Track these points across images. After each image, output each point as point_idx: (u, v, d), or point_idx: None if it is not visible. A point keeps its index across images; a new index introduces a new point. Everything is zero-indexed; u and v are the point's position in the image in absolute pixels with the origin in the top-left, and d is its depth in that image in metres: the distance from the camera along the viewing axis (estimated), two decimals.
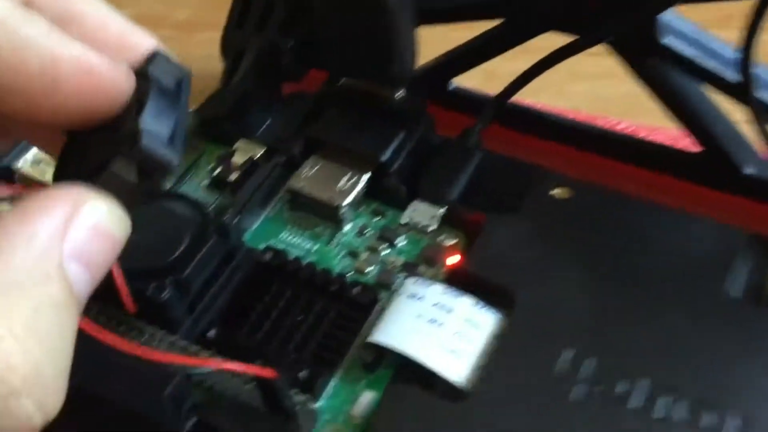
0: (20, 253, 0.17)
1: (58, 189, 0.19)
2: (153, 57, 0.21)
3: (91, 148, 0.21)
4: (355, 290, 0.33)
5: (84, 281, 0.19)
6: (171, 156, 0.20)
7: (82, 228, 0.19)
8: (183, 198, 0.34)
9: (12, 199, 0.22)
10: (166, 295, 0.31)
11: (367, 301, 0.32)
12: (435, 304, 0.31)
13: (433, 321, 0.30)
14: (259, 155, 0.38)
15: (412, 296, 0.31)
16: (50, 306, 0.17)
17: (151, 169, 0.20)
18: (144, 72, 0.21)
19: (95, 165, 0.20)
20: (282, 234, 0.36)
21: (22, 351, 0.17)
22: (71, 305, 0.18)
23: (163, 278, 0.31)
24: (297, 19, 0.42)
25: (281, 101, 0.42)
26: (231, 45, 0.43)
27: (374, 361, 0.31)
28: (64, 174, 0.22)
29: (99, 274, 0.20)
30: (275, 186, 0.38)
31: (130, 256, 0.32)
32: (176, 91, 0.21)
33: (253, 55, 0.42)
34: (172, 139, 0.20)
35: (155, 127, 0.20)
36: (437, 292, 0.31)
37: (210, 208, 0.35)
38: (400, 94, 0.37)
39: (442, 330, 0.30)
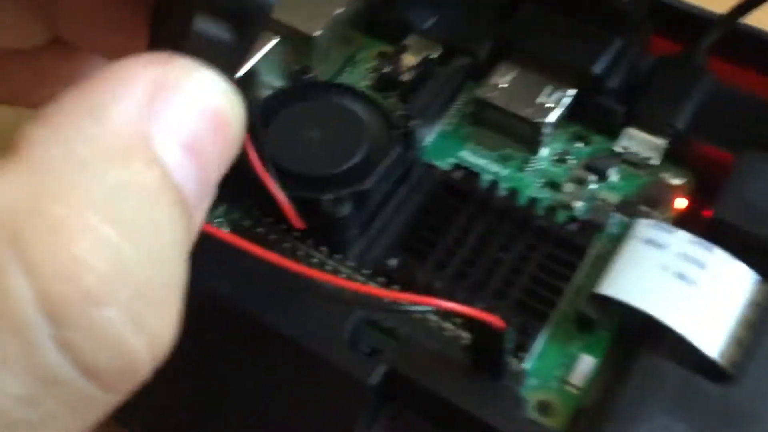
0: (87, 127, 0.12)
1: (137, 57, 0.13)
2: None
3: (173, 18, 0.15)
4: (570, 228, 0.26)
5: (191, 174, 0.13)
6: None
7: (179, 104, 0.13)
8: (356, 92, 0.28)
9: None
10: (345, 209, 0.24)
11: (584, 241, 0.26)
12: (682, 256, 0.24)
13: (681, 276, 0.24)
14: (435, 56, 0.31)
15: (651, 242, 0.25)
16: (135, 188, 0.12)
17: (244, 13, 0.14)
18: None
19: (177, 34, 0.15)
20: (462, 152, 0.30)
21: (93, 238, 0.11)
22: (170, 196, 0.13)
23: (339, 189, 0.25)
24: None
25: None
26: None
27: (595, 317, 0.25)
28: None
29: (212, 169, 0.14)
30: (454, 94, 0.31)
31: (294, 156, 0.26)
32: None
33: None
34: None
35: None
36: (684, 242, 0.25)
37: None
38: None
39: (693, 289, 0.24)
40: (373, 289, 0.20)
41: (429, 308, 0.21)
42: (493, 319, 0.21)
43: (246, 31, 0.15)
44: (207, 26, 0.14)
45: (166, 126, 0.13)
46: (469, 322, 0.22)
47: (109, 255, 0.11)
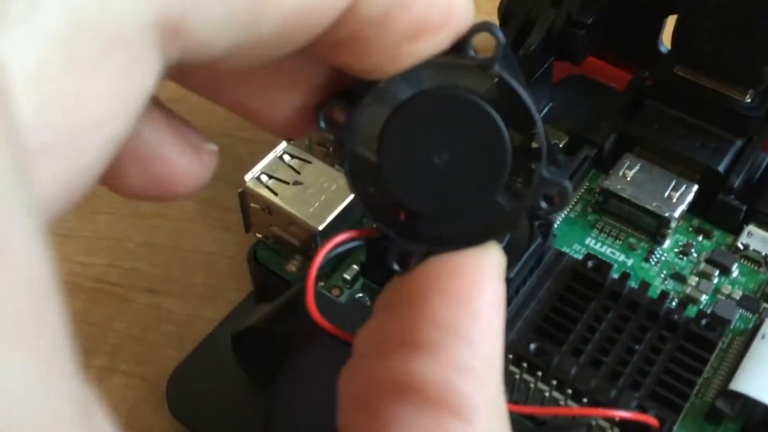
0: (492, 375, 0.14)
1: (462, 265, 0.15)
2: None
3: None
4: (703, 322, 0.27)
5: None
6: (566, 184, 0.15)
7: (494, 311, 0.15)
8: None
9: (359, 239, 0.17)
10: None
11: (716, 337, 0.27)
12: None
13: None
14: (561, 144, 0.33)
15: None
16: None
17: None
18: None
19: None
20: (587, 239, 0.31)
21: None
22: None
23: None
24: None
25: (553, 83, 0.38)
26: (516, 11, 0.38)
27: (728, 411, 0.26)
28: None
29: None
30: (579, 182, 0.33)
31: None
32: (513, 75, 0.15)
33: (546, 27, 0.37)
34: (551, 156, 0.15)
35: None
36: None
37: None
38: (750, 96, 0.31)
39: None
40: (555, 409, 0.22)
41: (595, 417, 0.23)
42: (649, 420, 0.22)
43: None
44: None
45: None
46: (623, 423, 0.23)
47: None
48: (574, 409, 0.22)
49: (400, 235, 0.15)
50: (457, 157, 0.15)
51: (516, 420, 0.21)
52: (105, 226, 0.37)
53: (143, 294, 0.35)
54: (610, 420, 0.24)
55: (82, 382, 0.09)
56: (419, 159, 0.15)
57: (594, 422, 0.24)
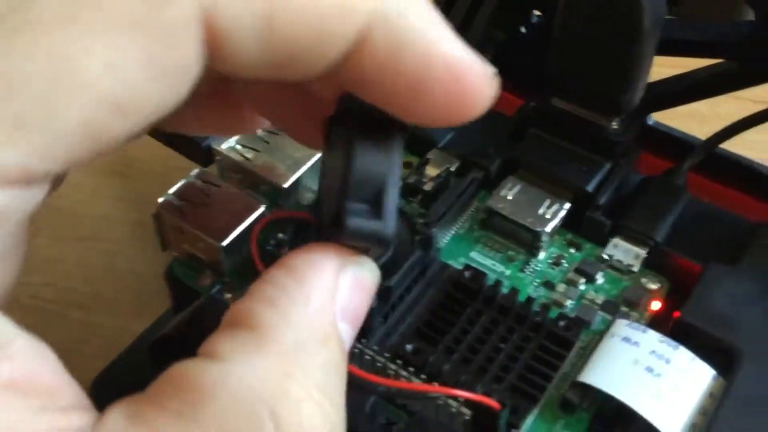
0: (300, 312, 0.17)
1: (322, 249, 0.18)
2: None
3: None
4: (562, 324, 0.31)
5: (350, 338, 0.19)
6: (380, 231, 0.18)
7: (348, 286, 0.18)
8: None
9: None
10: (372, 302, 0.29)
11: (573, 336, 0.31)
12: (652, 352, 0.29)
13: (650, 370, 0.28)
14: (453, 168, 0.37)
15: (627, 340, 0.29)
16: (333, 366, 0.17)
17: (365, 247, 0.19)
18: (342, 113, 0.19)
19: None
20: (472, 253, 0.35)
21: (321, 414, 0.16)
22: (345, 363, 0.18)
23: None
24: (495, 36, 0.41)
25: None
26: None
27: (577, 401, 0.29)
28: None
29: (359, 327, 0.19)
30: (468, 202, 0.36)
31: None
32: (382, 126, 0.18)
33: None
34: (378, 204, 0.18)
35: (361, 196, 0.18)
36: (654, 340, 0.29)
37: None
38: (616, 123, 0.35)
39: (659, 381, 0.28)
40: (401, 383, 0.26)
41: (441, 395, 0.26)
42: (491, 402, 0.26)
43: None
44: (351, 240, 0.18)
45: (343, 306, 0.18)
46: (470, 403, 0.27)
47: (327, 423, 0.16)
48: (418, 384, 0.26)
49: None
50: (343, 171, 0.18)
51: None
52: (43, 248, 0.40)
53: (76, 310, 0.38)
54: (458, 400, 0.27)
55: None
56: (333, 172, 0.19)
57: (443, 401, 0.27)
